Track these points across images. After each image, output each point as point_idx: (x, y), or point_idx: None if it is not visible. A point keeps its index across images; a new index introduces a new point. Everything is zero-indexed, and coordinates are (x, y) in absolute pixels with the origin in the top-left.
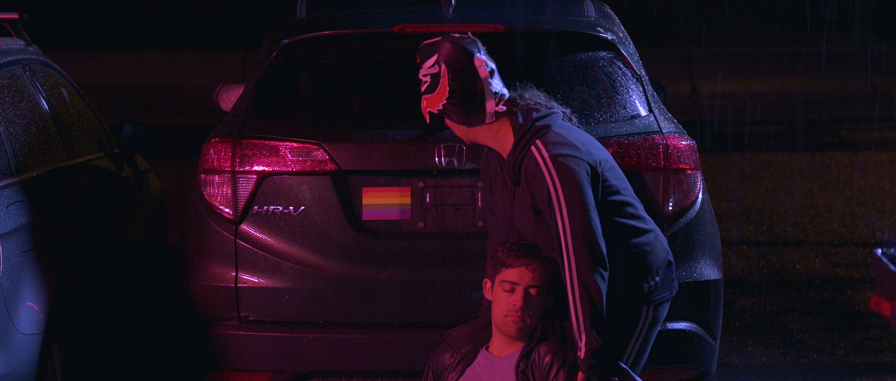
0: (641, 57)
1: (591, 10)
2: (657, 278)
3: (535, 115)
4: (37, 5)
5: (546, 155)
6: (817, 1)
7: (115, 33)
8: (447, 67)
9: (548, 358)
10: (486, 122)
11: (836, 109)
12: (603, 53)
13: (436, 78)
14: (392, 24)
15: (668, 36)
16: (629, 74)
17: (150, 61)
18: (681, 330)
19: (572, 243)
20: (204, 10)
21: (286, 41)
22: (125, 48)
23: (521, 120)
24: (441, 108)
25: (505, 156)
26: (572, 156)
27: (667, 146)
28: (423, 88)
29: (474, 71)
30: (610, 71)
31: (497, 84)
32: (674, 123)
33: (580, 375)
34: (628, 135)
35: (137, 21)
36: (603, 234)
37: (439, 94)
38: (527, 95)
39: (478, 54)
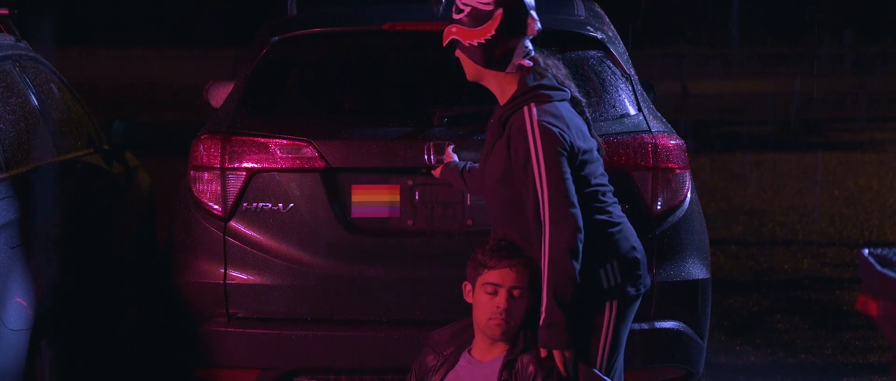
0: (631, 56)
1: (580, 9)
2: (615, 267)
3: (545, 81)
4: (27, 1)
5: (534, 116)
6: (806, 1)
7: (106, 30)
8: (504, 11)
9: (531, 368)
10: (506, 70)
11: (825, 110)
12: (592, 52)
13: (483, 15)
14: (383, 22)
15: (658, 36)
16: (619, 73)
17: (140, 58)
18: (668, 329)
19: (549, 209)
20: (195, 7)
21: (277, 38)
22: (116, 45)
23: (530, 80)
24: (475, 44)
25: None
26: (558, 126)
27: (656, 145)
28: (457, 17)
29: (525, 26)
30: (599, 70)
31: (530, 42)
32: (663, 122)
33: (542, 350)
34: (617, 134)
35: (128, 18)
36: None
37: (481, 31)
38: (549, 62)
39: (533, 12)
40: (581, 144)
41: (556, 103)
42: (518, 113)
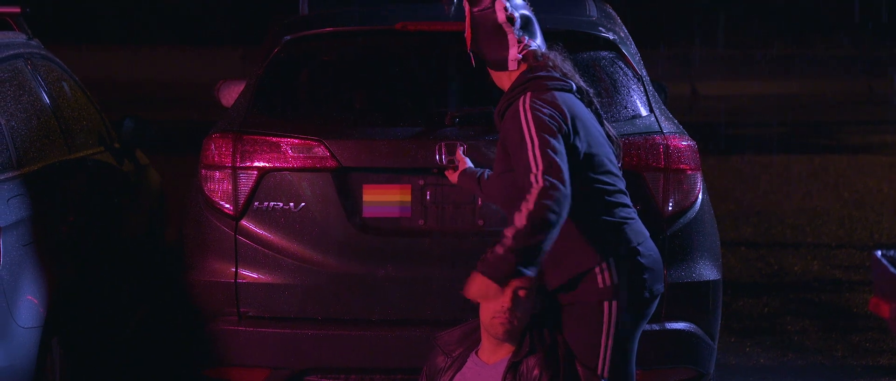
0: (642, 57)
1: (592, 10)
2: (612, 266)
3: (542, 73)
4: None
5: (527, 101)
6: (816, 3)
7: (117, 28)
8: (469, 4)
9: (536, 371)
10: (508, 68)
11: (835, 112)
12: (604, 53)
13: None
14: (394, 22)
15: (668, 36)
16: (630, 74)
17: (151, 56)
18: (679, 330)
19: (541, 180)
20: (205, 5)
21: (288, 37)
22: (126, 43)
23: (528, 72)
24: (470, 48)
25: None
26: (549, 111)
27: (667, 146)
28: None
29: (493, 13)
30: (611, 71)
31: (522, 33)
32: (674, 123)
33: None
34: (629, 135)
35: (139, 16)
36: (574, 212)
37: (468, 32)
38: (550, 55)
39: None
40: (582, 135)
41: (554, 92)
42: (514, 104)
